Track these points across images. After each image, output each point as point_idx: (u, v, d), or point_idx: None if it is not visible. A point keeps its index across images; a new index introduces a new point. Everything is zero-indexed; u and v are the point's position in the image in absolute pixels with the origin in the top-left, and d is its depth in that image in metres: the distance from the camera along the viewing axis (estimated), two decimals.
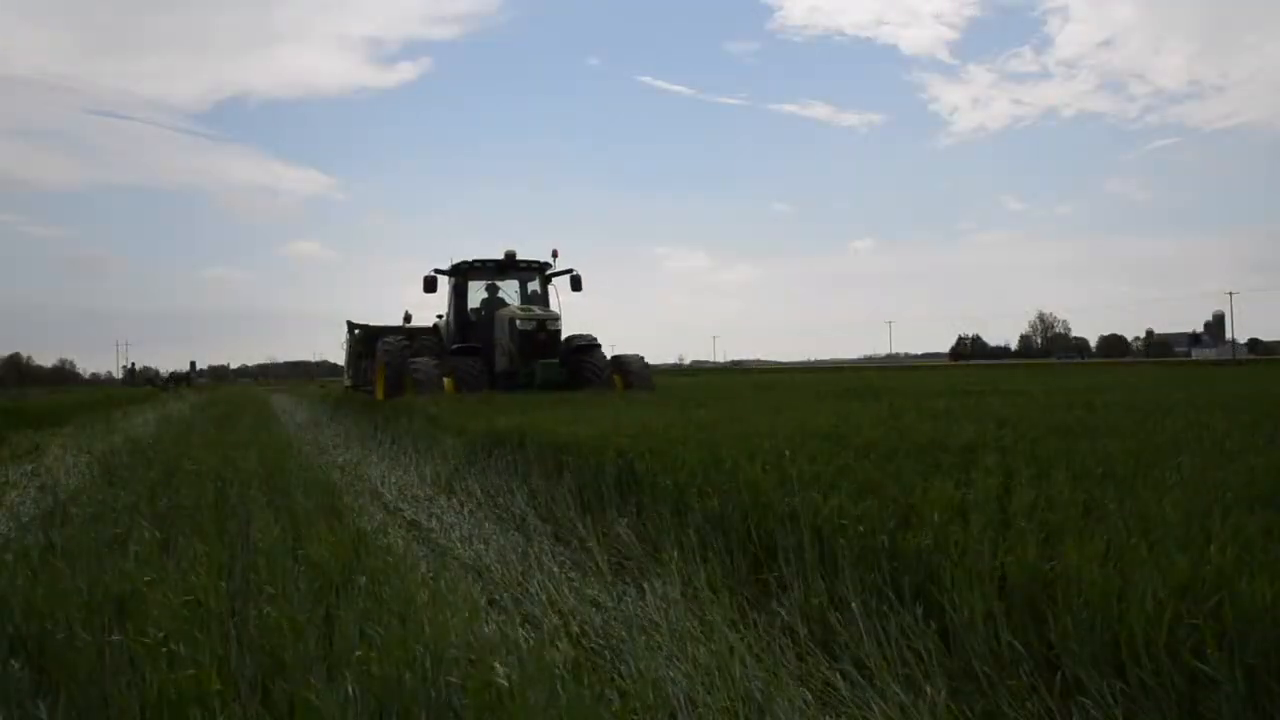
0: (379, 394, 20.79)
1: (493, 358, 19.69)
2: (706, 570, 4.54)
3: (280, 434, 14.52)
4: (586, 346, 20.00)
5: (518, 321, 19.18)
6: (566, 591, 4.58)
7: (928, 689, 3.15)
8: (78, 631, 3.25)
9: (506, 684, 2.57)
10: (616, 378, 19.15)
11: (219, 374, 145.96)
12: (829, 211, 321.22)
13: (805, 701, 3.18)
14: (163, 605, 3.36)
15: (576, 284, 20.58)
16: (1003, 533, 4.05)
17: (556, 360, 18.93)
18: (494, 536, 6.03)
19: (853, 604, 3.75)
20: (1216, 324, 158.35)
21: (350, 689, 2.73)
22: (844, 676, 3.37)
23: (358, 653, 3.00)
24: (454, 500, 7.67)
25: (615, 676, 3.50)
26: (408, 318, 24.85)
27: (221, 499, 6.32)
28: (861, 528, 4.21)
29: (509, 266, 21.04)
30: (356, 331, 25.85)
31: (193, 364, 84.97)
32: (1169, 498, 4.67)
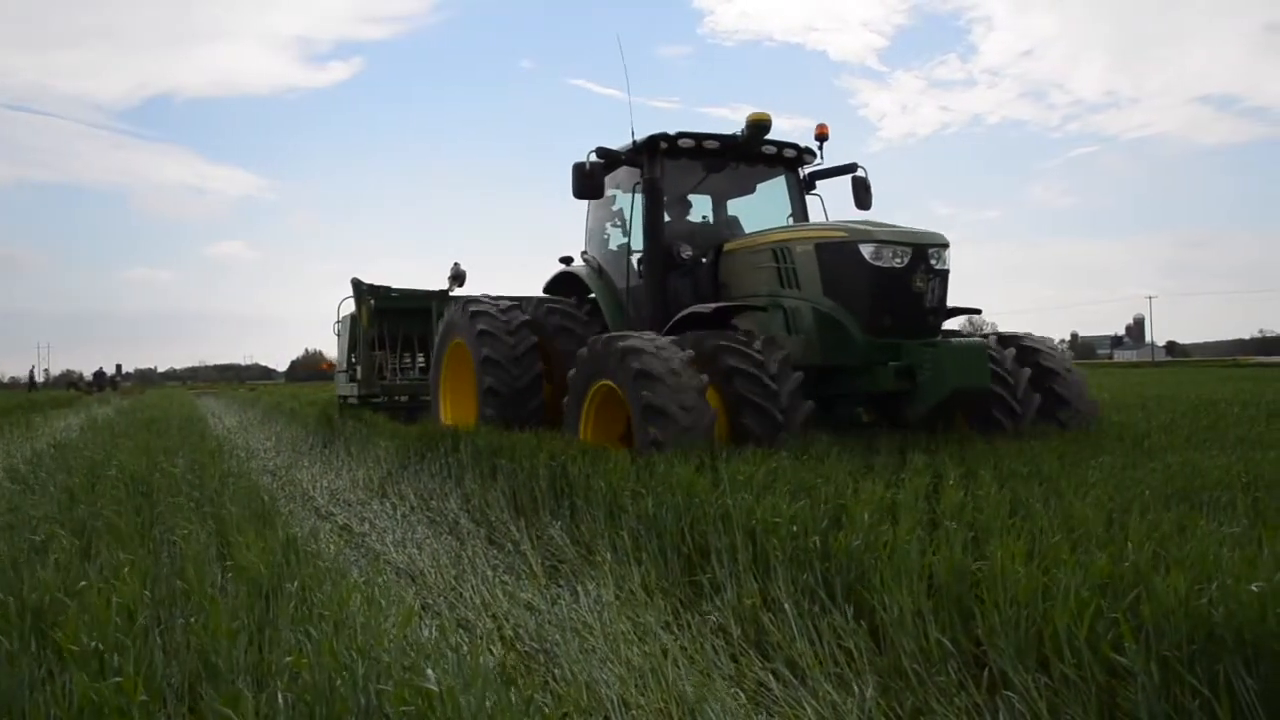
0: (446, 416, 11.02)
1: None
2: (640, 572, 4.56)
3: (209, 439, 14.24)
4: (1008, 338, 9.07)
5: (867, 251, 7.79)
6: (500, 595, 4.56)
7: (858, 687, 3.20)
8: None
9: (437, 689, 2.55)
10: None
11: (145, 377, 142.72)
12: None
13: (738, 702, 3.21)
14: (85, 615, 3.28)
15: (863, 193, 9.95)
16: (931, 533, 4.12)
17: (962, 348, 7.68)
18: (428, 540, 5.99)
19: (785, 604, 3.80)
20: (1137, 327, 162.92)
21: (280, 697, 2.69)
22: (776, 676, 3.41)
23: (288, 659, 2.96)
24: (387, 504, 7.59)
25: (549, 679, 3.50)
26: (458, 277, 15.91)
27: (148, 505, 6.17)
28: (794, 528, 4.27)
29: (738, 150, 9.58)
30: (373, 301, 15.35)
31: (118, 367, 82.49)
32: (1091, 496, 4.80)
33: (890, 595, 3.48)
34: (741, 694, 3.29)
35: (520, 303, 10.32)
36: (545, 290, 11.16)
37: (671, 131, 9.25)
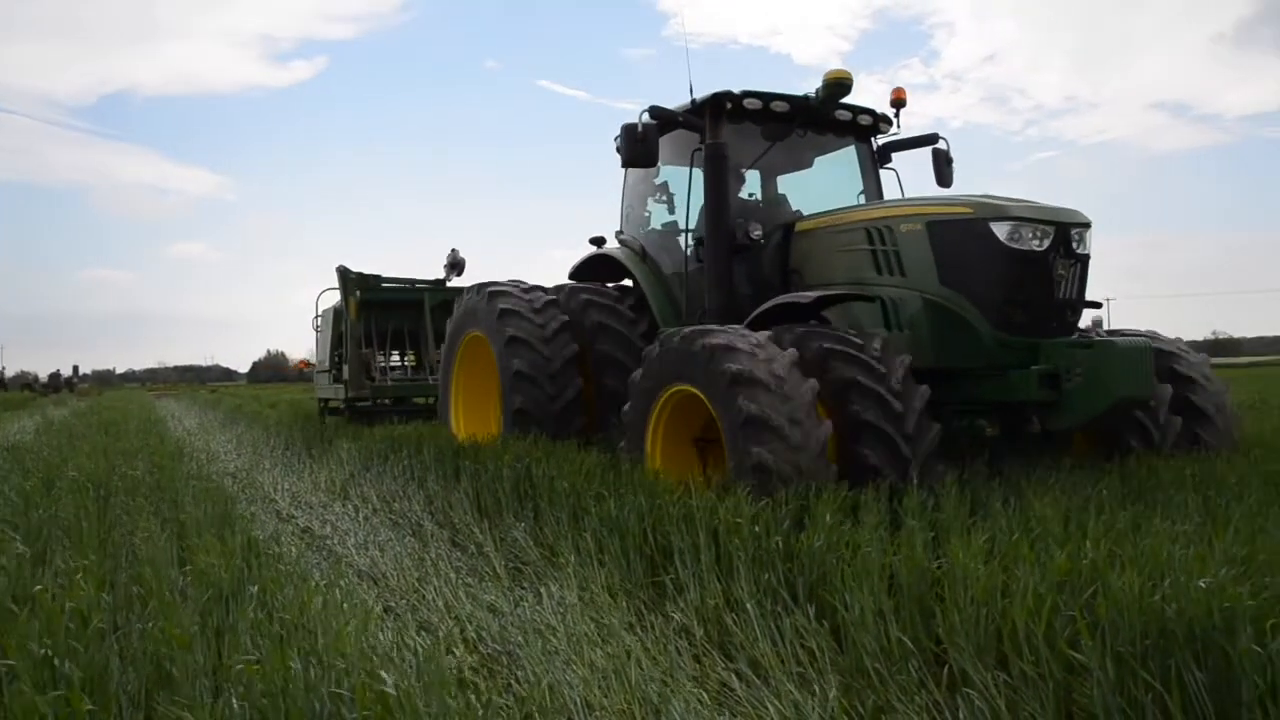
0: (458, 425, 9.53)
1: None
2: (603, 574, 4.56)
3: (169, 441, 14.07)
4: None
5: (1001, 231, 6.39)
6: (463, 597, 4.54)
7: (819, 686, 3.22)
8: None
9: (395, 693, 2.54)
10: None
11: (104, 379, 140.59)
12: None
13: (701, 702, 3.21)
14: (36, 621, 3.23)
15: (944, 169, 8.64)
16: (893, 532, 4.16)
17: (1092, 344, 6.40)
18: (390, 543, 5.95)
19: (748, 605, 3.81)
20: (1096, 328, 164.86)
21: (236, 703, 2.66)
22: (739, 676, 3.42)
23: (247, 663, 2.93)
24: (349, 506, 7.53)
25: (512, 682, 3.49)
26: (456, 265, 14.62)
27: (105, 509, 6.10)
28: (757, 529, 4.29)
29: (808, 115, 8.17)
30: (358, 294, 13.68)
31: (75, 368, 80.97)
32: (1049, 496, 4.86)
33: (852, 595, 3.51)
34: (705, 694, 3.30)
35: (555, 295, 8.92)
36: (573, 276, 9.64)
37: (735, 90, 7.87)
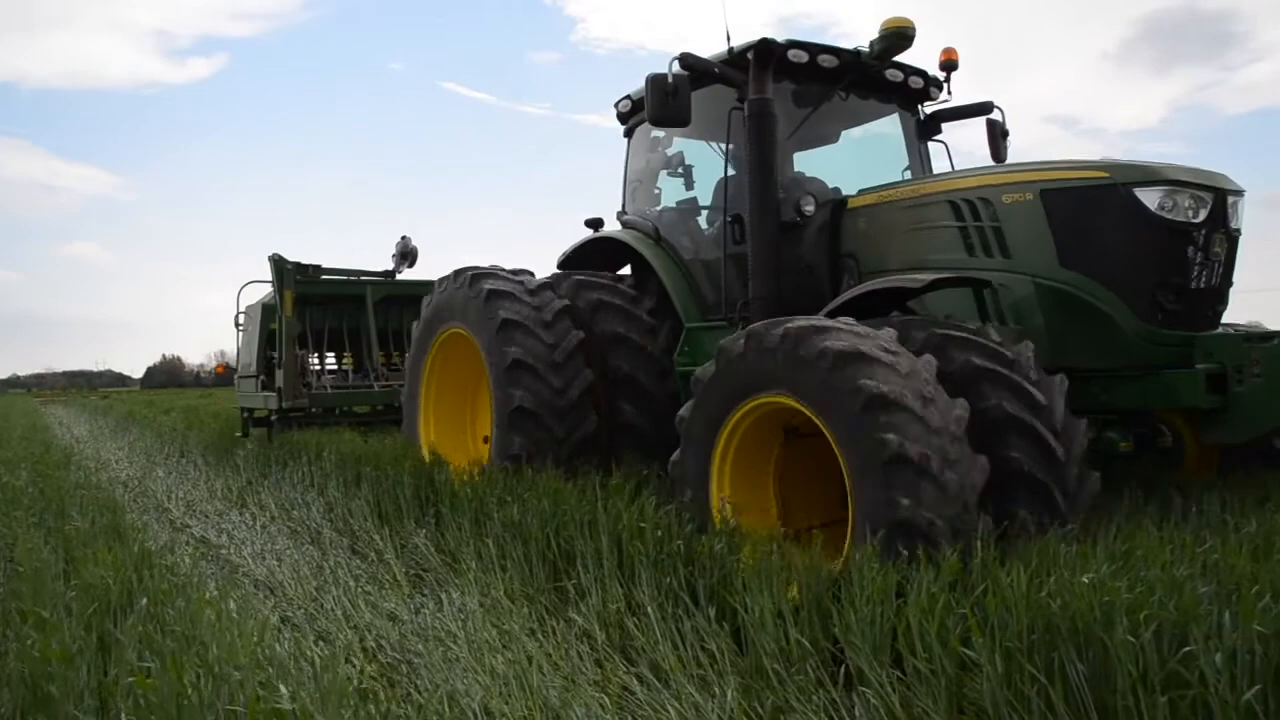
0: (429, 441, 7.84)
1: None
2: (505, 579, 4.55)
3: (56, 449, 13.55)
4: None
5: (1150, 198, 5.10)
6: (363, 606, 4.48)
7: (719, 688, 3.25)
8: None
9: (291, 706, 2.48)
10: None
11: None
12: None
13: (603, 706, 3.23)
14: None
15: (999, 142, 7.62)
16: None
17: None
18: (288, 551, 5.83)
19: (649, 608, 3.83)
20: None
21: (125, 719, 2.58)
22: (640, 680, 3.43)
23: (138, 676, 2.84)
24: (247, 514, 7.36)
25: (412, 691, 3.46)
26: (408, 254, 13.25)
27: None
28: (659, 533, 4.32)
29: (856, 73, 6.81)
30: (275, 294, 11.84)
31: None
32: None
33: (752, 597, 3.56)
34: (606, 698, 3.31)
35: (549, 281, 7.49)
36: (563, 265, 8.12)
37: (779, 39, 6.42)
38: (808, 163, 7.31)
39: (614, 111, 8.01)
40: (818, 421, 4.34)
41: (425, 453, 7.39)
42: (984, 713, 2.80)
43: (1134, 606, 2.73)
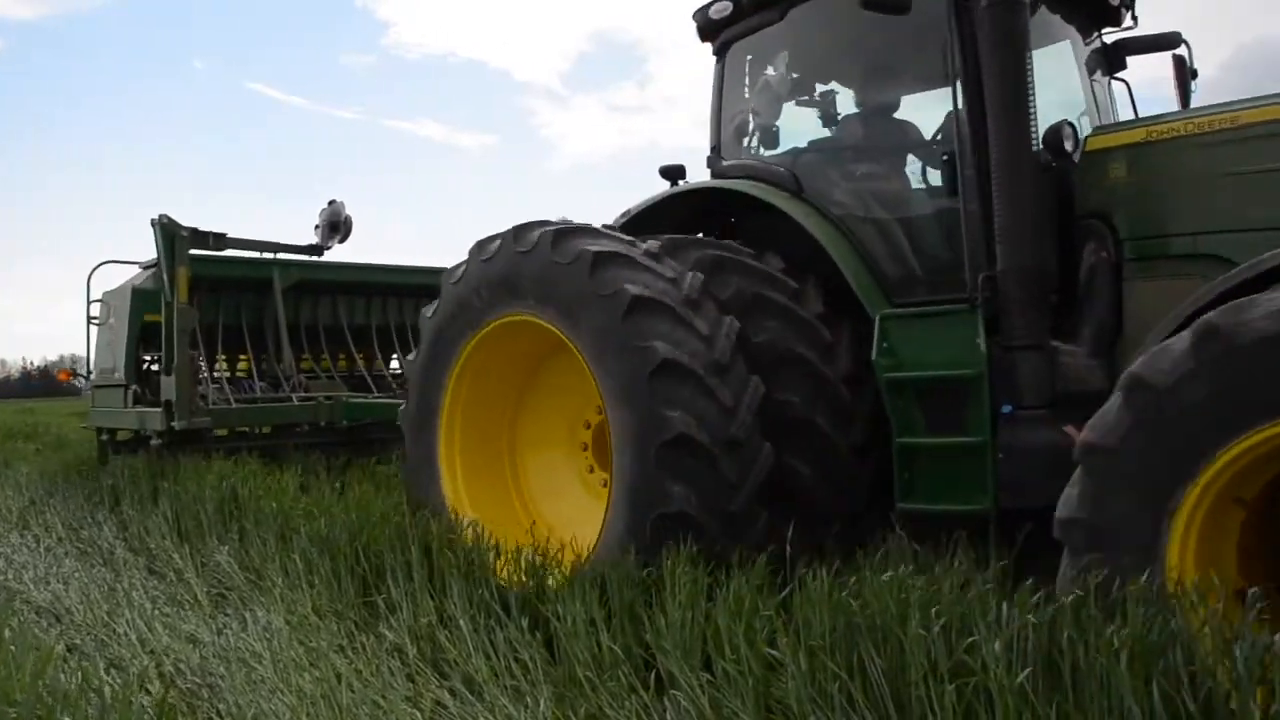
0: (458, 499, 5.07)
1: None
2: (313, 595, 4.41)
3: None
4: None
5: None
6: (160, 628, 4.24)
7: (532, 698, 3.25)
8: None
9: None
10: None
11: None
12: (449, 229, 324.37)
13: None
14: None
15: (1188, 81, 5.37)
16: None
17: None
18: (76, 574, 5.46)
19: (461, 621, 3.79)
20: None
21: None
22: (453, 694, 3.39)
23: None
24: (29, 536, 6.85)
25: (214, 716, 3.30)
26: (337, 226, 9.91)
27: None
28: (470, 544, 4.28)
29: None
30: (161, 272, 8.30)
31: None
32: None
33: (565, 605, 3.57)
34: (418, 714, 3.25)
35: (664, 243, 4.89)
36: (625, 230, 5.27)
37: None
38: (919, 104, 5.31)
39: (692, 25, 5.70)
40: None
41: (459, 525, 4.75)
42: (790, 711, 2.88)
43: (927, 602, 2.88)
